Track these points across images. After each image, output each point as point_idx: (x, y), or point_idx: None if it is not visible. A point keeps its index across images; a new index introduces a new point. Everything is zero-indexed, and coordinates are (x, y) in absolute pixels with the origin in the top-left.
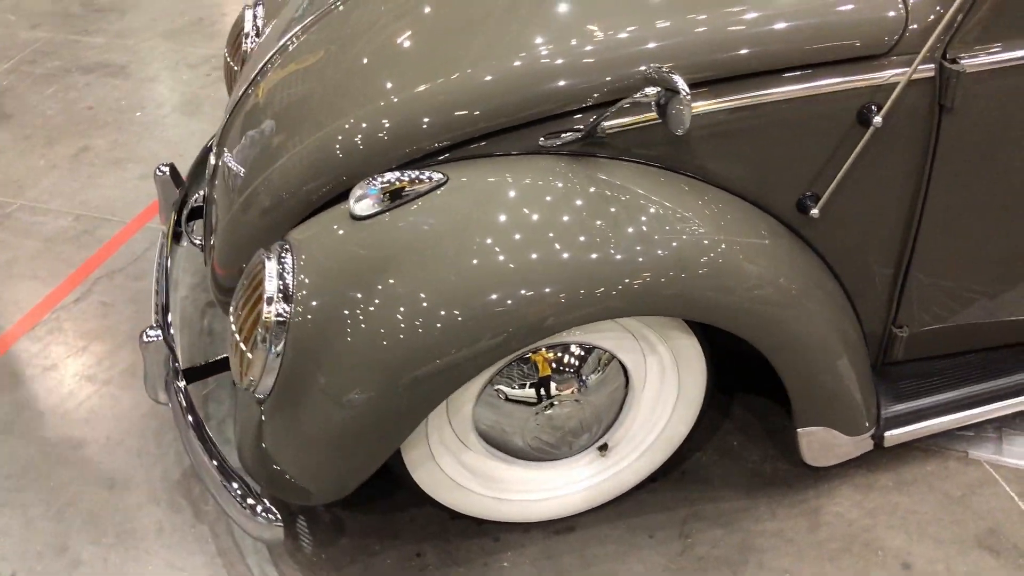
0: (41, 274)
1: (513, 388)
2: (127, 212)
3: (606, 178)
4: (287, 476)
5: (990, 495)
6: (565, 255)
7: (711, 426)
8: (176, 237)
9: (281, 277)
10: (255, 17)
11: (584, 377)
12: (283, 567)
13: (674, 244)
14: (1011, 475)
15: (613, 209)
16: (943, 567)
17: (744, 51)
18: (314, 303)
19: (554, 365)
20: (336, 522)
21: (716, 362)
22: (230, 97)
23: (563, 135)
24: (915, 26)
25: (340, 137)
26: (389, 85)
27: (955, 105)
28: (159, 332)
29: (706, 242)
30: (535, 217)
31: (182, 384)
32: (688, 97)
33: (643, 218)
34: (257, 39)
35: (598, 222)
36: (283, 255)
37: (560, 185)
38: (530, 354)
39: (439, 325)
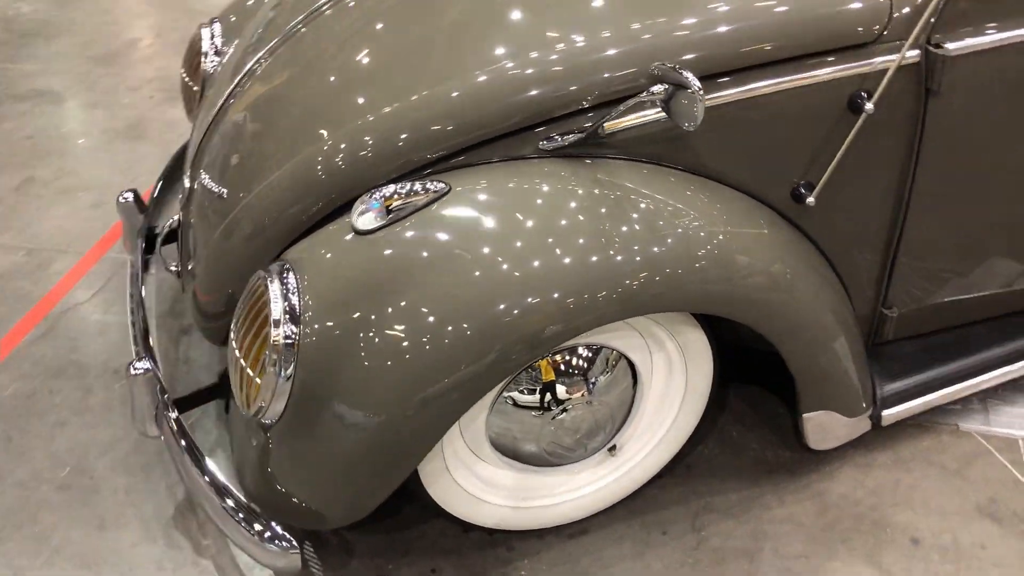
0: None
1: (525, 395)
2: (82, 243)
3: (607, 179)
4: (299, 502)
5: (985, 465)
6: (572, 260)
7: (709, 419)
8: (145, 265)
9: (286, 298)
10: (212, 36)
11: (594, 378)
12: None
13: (679, 239)
14: (1002, 444)
15: (616, 210)
16: (950, 538)
17: (736, 46)
18: (323, 323)
19: (563, 368)
20: (344, 545)
21: (721, 354)
22: (194, 118)
23: (562, 137)
24: (900, 12)
25: (320, 159)
26: (363, 103)
27: (941, 89)
28: (146, 364)
29: (707, 235)
30: (540, 223)
31: (174, 415)
32: (701, 92)
33: (646, 217)
34: (216, 58)
35: (603, 224)
36: (284, 275)
37: (562, 188)
38: (540, 360)
39: (453, 339)
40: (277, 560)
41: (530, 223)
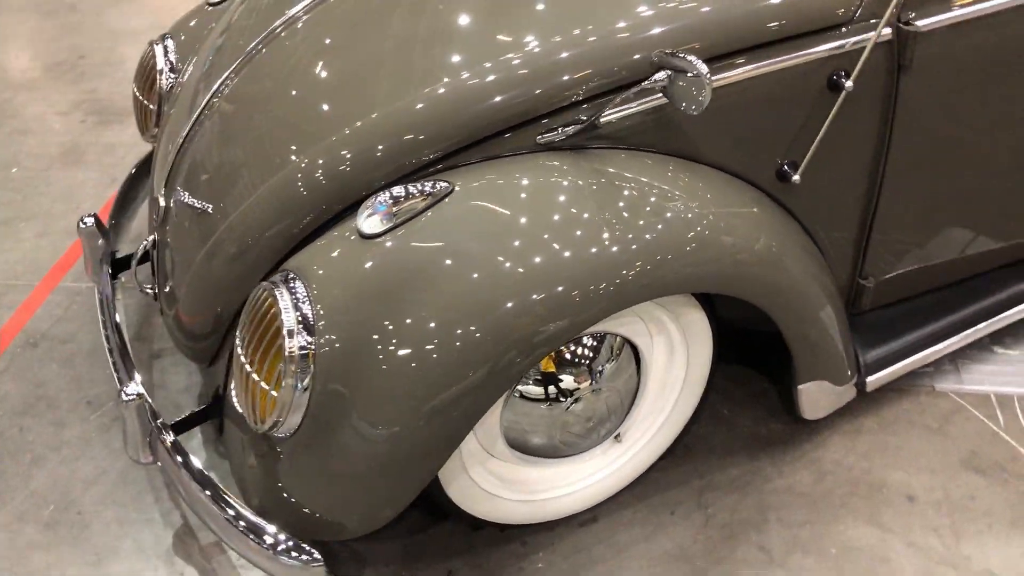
0: None
1: (536, 388)
2: (32, 274)
3: (606, 168)
4: (316, 514)
5: (963, 421)
6: (581, 252)
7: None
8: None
9: (297, 307)
10: (167, 52)
11: (601, 366)
12: None
13: (680, 223)
14: (975, 400)
15: (617, 199)
16: (941, 493)
17: (720, 33)
18: (337, 331)
19: (571, 359)
20: (356, 555)
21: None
22: (156, 136)
23: (559, 131)
24: None
25: (299, 175)
26: (336, 118)
27: (912, 64)
28: (137, 388)
29: (702, 216)
30: (545, 219)
31: (170, 438)
32: (708, 76)
33: (647, 204)
34: (172, 75)
35: (607, 214)
36: (291, 284)
37: (562, 182)
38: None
39: (468, 342)
40: (298, 575)
41: (535, 219)
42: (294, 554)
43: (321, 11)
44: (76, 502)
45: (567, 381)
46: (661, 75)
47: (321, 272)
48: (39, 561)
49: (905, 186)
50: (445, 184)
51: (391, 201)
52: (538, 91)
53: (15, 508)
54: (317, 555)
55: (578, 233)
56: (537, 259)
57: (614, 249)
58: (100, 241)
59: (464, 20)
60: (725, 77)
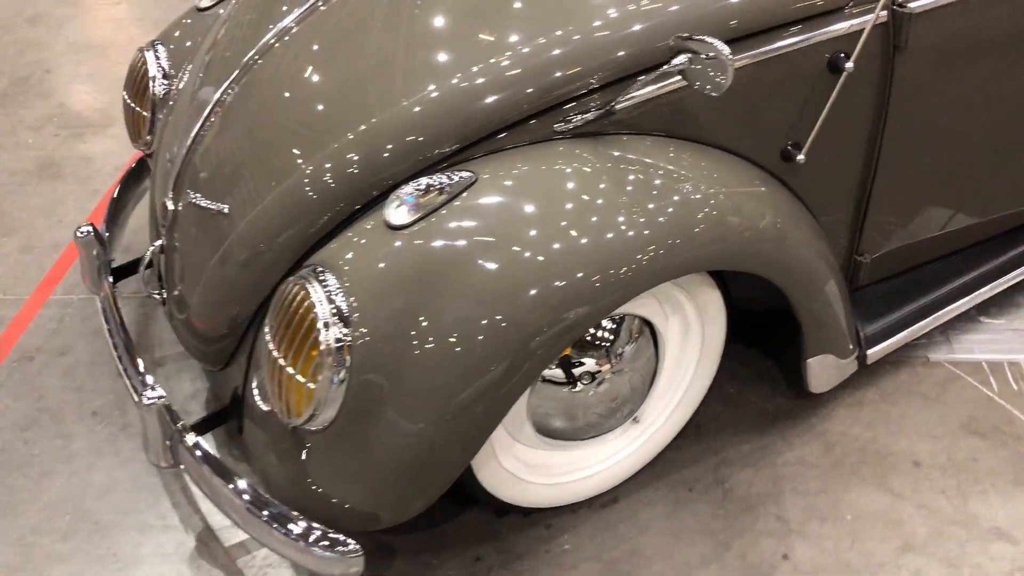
0: None
1: (560, 372)
2: (20, 289)
3: (623, 154)
4: (349, 505)
5: (958, 388)
6: (606, 237)
7: None
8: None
9: (331, 300)
10: (158, 58)
11: (622, 347)
12: None
13: (694, 203)
14: (968, 368)
15: (632, 183)
16: (945, 457)
17: (729, 18)
18: (371, 322)
19: (594, 341)
20: (383, 548)
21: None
22: (154, 142)
23: (577, 118)
24: None
25: (306, 181)
26: (340, 122)
27: (907, 45)
28: (158, 392)
29: (716, 196)
30: (566, 205)
31: (192, 440)
32: (731, 58)
33: (659, 187)
34: (166, 81)
35: (624, 198)
36: (322, 277)
37: (583, 169)
38: None
39: (500, 330)
40: (337, 567)
41: (557, 206)
42: (331, 545)
43: (313, 21)
44: (92, 512)
45: (589, 364)
46: (682, 58)
47: (351, 264)
48: (61, 572)
49: (900, 163)
50: (468, 174)
51: (418, 192)
52: (553, 80)
53: (29, 521)
54: (355, 545)
55: (599, 219)
56: (561, 246)
57: (632, 233)
58: (96, 250)
59: (472, 17)
60: (735, 60)
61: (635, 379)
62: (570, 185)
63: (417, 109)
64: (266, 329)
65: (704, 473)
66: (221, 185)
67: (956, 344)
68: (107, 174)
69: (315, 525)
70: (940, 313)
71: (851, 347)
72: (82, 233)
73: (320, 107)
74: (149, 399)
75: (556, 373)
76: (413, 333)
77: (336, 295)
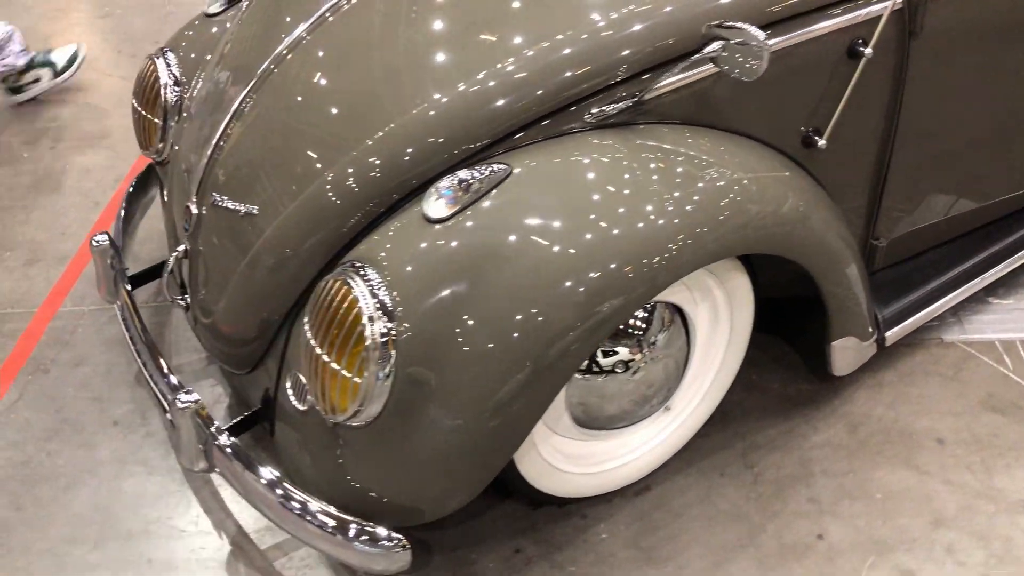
0: None
1: (602, 359)
2: (29, 302)
3: (657, 143)
4: (389, 501)
5: (974, 367)
6: (638, 226)
7: None
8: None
9: (373, 294)
10: (169, 66)
11: (656, 334)
12: None
13: (724, 189)
14: (982, 347)
15: (663, 172)
16: (967, 434)
17: (755, 6)
18: (415, 316)
19: (629, 330)
20: (420, 544)
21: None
22: (174, 149)
23: (608, 108)
24: None
25: (328, 187)
26: (359, 127)
27: (922, 31)
28: (193, 395)
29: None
30: (601, 196)
31: (228, 442)
32: (766, 44)
33: (689, 174)
34: (177, 88)
35: (655, 187)
36: (363, 272)
37: (619, 159)
38: None
39: (542, 321)
40: (385, 562)
41: (591, 197)
42: (377, 540)
43: (324, 31)
44: (123, 520)
45: (623, 353)
46: (716, 45)
47: (390, 259)
48: None
49: (915, 146)
50: (503, 167)
51: (456, 185)
52: (585, 71)
53: (59, 532)
54: (402, 539)
55: (634, 208)
56: (599, 236)
57: (665, 221)
58: (111, 260)
59: (498, 10)
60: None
61: (669, 366)
62: (602, 175)
63: (432, 113)
64: (306, 327)
65: (733, 458)
66: (247, 189)
67: (968, 325)
68: (107, 185)
69: (359, 520)
70: (954, 294)
71: (870, 330)
72: (98, 242)
73: (339, 113)
74: (184, 403)
75: (591, 363)
76: (455, 327)
77: (379, 289)
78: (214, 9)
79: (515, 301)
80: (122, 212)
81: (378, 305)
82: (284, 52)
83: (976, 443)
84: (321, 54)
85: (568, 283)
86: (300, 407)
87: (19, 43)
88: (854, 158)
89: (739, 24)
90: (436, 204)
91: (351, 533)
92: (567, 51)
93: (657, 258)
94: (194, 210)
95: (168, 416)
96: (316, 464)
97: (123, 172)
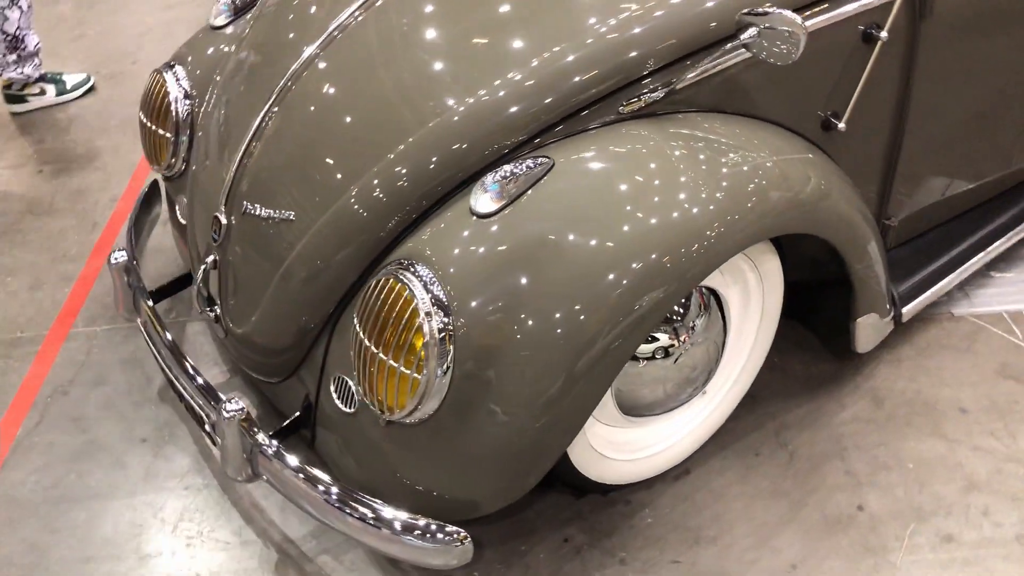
0: None
1: (644, 346)
2: (39, 324)
3: (691, 132)
4: (443, 496)
5: (986, 339)
6: (678, 215)
7: None
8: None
9: (428, 290)
10: (178, 79)
11: (694, 319)
12: None
13: (755, 174)
14: (991, 319)
15: (698, 160)
16: (988, 401)
17: None
18: (470, 311)
19: (670, 316)
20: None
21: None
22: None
23: (641, 98)
24: None
25: (353, 201)
26: (383, 137)
27: (931, 13)
28: (239, 403)
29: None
30: (641, 185)
31: (272, 448)
32: (804, 27)
33: (722, 161)
34: (188, 101)
35: (692, 174)
36: (415, 268)
37: (648, 149)
38: None
39: (593, 313)
40: (447, 556)
41: (633, 187)
42: (442, 536)
43: (335, 48)
44: (163, 535)
45: (663, 339)
46: (752, 31)
47: (440, 255)
48: None
49: (927, 129)
50: (546, 159)
51: (501, 179)
52: (618, 64)
53: (97, 552)
54: (463, 533)
55: (675, 197)
56: (643, 226)
57: (696, 210)
58: (129, 276)
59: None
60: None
61: (710, 350)
62: (640, 166)
63: (456, 119)
64: (356, 327)
65: (767, 438)
66: (278, 198)
67: (975, 299)
68: (104, 205)
69: (418, 516)
70: (961, 268)
71: (888, 307)
72: (116, 260)
73: (361, 127)
74: (230, 412)
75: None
76: (510, 320)
77: (432, 284)
78: (219, 22)
79: (568, 293)
80: (130, 229)
81: (433, 300)
82: (300, 69)
83: (996, 410)
84: (337, 70)
85: (616, 275)
86: (347, 410)
87: (39, 58)
88: (869, 140)
89: (775, 10)
90: (483, 198)
91: (417, 531)
92: (607, 42)
93: (697, 245)
94: (223, 220)
95: (208, 428)
96: (363, 465)
97: (118, 192)
